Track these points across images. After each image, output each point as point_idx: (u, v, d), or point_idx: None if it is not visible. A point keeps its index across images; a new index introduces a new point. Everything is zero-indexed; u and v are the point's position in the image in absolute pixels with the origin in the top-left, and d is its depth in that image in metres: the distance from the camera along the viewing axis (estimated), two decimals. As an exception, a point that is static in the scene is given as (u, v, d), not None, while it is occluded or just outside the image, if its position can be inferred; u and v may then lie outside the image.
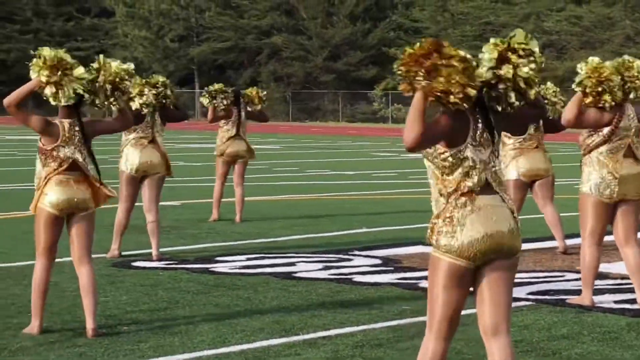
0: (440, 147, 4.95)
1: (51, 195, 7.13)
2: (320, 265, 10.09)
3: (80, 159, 7.20)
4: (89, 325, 7.02)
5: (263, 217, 14.25)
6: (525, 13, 63.92)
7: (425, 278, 9.42)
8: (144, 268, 9.92)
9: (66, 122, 7.23)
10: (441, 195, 4.94)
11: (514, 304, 8.14)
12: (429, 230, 4.95)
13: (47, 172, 7.18)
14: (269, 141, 40.91)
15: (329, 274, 9.61)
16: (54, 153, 7.17)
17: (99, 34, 79.21)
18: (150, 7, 74.61)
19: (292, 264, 10.21)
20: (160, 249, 10.58)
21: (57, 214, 7.14)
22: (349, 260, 10.51)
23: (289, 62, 72.25)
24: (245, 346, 6.78)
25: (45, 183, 7.16)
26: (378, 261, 10.44)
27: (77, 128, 7.22)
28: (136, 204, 10.85)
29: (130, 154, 10.65)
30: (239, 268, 9.94)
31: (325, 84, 71.90)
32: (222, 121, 14.19)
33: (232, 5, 74.14)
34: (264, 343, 6.87)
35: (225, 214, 14.04)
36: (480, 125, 4.95)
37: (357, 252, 11.02)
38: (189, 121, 67.79)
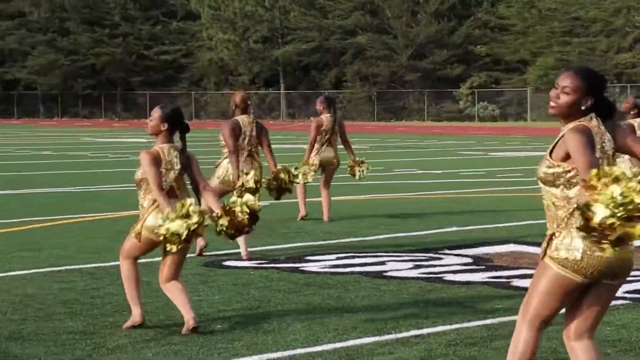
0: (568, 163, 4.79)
1: (151, 220, 7.24)
2: (410, 264, 10.08)
3: (176, 187, 7.28)
4: (188, 315, 7.10)
5: (351, 217, 14.28)
6: (615, 7, 62.93)
7: (517, 277, 9.36)
8: (235, 267, 10.01)
9: (165, 147, 7.31)
10: (566, 208, 4.82)
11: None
12: (545, 243, 4.87)
13: (150, 199, 7.25)
14: (354, 141, 40.85)
15: (419, 273, 9.59)
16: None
17: (185, 37, 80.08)
18: (235, 10, 75.16)
19: (382, 262, 10.22)
20: (250, 249, 10.67)
21: (155, 240, 7.25)
22: (439, 259, 10.48)
23: (374, 61, 72.18)
24: (338, 345, 6.80)
25: (152, 209, 7.23)
26: (469, 260, 10.39)
27: (175, 154, 7.28)
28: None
29: (225, 166, 10.78)
30: (329, 267, 9.98)
31: (411, 82, 71.67)
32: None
33: (316, 5, 74.31)
34: (357, 341, 6.88)
35: (313, 213, 14.11)
36: (605, 137, 4.84)
37: (447, 251, 10.98)
38: (274, 122, 67.67)
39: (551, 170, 4.84)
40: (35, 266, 9.94)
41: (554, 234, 4.84)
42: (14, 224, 13.45)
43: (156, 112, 7.37)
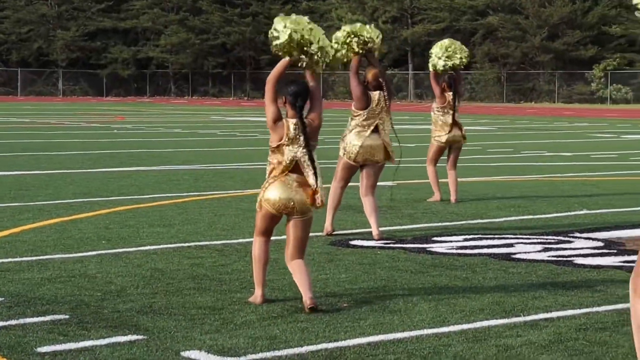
0: None
1: (271, 192, 7.31)
2: (539, 247, 9.94)
3: (302, 161, 7.31)
4: (306, 296, 7.15)
5: (478, 198, 14.15)
6: None
7: (650, 262, 9.15)
8: (362, 247, 10.01)
9: (291, 122, 7.33)
10: None
11: None
12: None
13: (271, 168, 7.34)
14: (482, 122, 40.55)
15: (548, 256, 9.46)
16: (279, 150, 7.30)
17: (314, 16, 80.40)
18: (364, -11, 75.11)
19: (510, 245, 10.10)
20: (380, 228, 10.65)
21: (274, 213, 7.32)
22: (569, 242, 10.31)
23: (505, 42, 71.30)
24: (465, 326, 6.75)
25: (271, 180, 7.32)
26: (600, 244, 10.19)
27: (301, 129, 7.30)
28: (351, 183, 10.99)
29: (352, 141, 10.70)
30: (456, 248, 9.91)
31: (542, 64, 70.58)
32: (436, 105, 14.12)
33: (447, -15, 73.73)
34: (485, 323, 6.82)
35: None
36: None
37: (577, 234, 10.79)
38: (402, 102, 67.70)
39: None
40: (166, 242, 10.13)
41: None
42: (145, 200, 13.73)
43: None
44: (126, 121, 39.32)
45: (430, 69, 13.84)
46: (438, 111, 14.03)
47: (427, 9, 74.80)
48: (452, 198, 13.77)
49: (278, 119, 7.30)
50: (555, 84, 69.99)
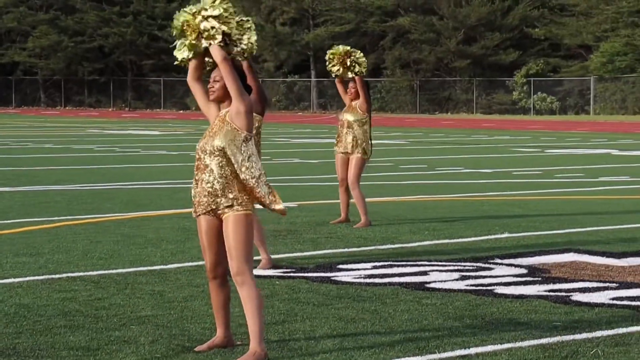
0: None
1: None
2: (456, 275, 10.06)
3: None
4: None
5: (389, 220, 14.26)
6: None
7: (578, 290, 9.30)
8: (258, 277, 9.98)
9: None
10: None
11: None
12: None
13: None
14: (393, 136, 40.94)
15: (466, 285, 9.56)
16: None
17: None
18: (260, -13, 75.33)
19: (425, 272, 10.19)
20: (276, 256, 10.65)
21: None
22: (489, 269, 10.44)
23: (417, 46, 72.11)
24: (374, 365, 6.79)
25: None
26: (523, 270, 10.35)
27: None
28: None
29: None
30: (364, 277, 9.96)
31: (458, 70, 71.55)
32: (364, 115, 14.12)
33: (352, -18, 74.33)
34: (396, 362, 6.87)
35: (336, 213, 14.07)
36: None
37: (498, 260, 10.94)
38: (304, 113, 67.71)
39: None
40: (33, 273, 9.99)
41: None
42: (9, 225, 13.54)
43: None
44: (-12, 135, 38.75)
45: (357, 75, 13.89)
46: (365, 122, 14.06)
47: (330, 10, 75.32)
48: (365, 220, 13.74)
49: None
50: (474, 92, 71.02)
